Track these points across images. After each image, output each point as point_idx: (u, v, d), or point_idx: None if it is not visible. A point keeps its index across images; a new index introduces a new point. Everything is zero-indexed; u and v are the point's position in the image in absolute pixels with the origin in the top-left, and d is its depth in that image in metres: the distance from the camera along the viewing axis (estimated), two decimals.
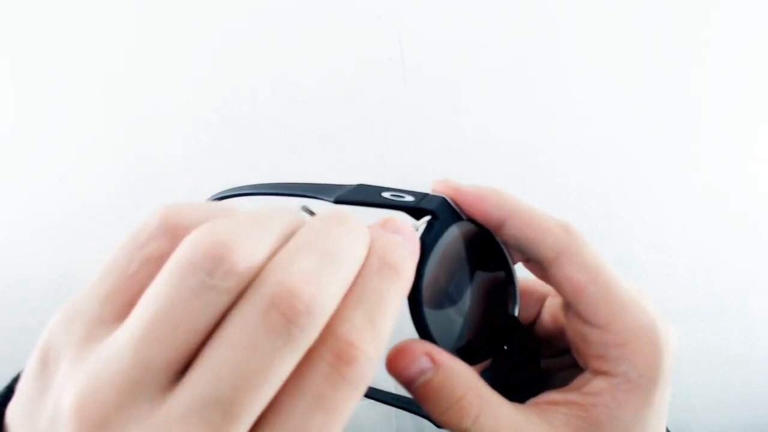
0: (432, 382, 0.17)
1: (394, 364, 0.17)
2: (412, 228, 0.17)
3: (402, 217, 0.17)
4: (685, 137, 0.49)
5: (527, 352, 0.21)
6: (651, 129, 0.49)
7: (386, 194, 0.19)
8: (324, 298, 0.13)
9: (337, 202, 0.19)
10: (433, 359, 0.17)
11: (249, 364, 0.12)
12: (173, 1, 0.45)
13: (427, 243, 0.18)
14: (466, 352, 0.19)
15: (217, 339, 0.13)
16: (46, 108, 0.45)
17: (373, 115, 0.47)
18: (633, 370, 0.19)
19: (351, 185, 0.19)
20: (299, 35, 0.46)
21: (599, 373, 0.19)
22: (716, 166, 0.50)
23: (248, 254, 0.13)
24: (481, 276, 0.20)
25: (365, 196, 0.19)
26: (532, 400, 0.19)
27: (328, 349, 0.13)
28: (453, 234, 0.19)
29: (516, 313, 0.21)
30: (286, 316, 0.13)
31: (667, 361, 0.20)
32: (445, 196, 0.19)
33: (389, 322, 0.15)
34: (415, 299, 0.18)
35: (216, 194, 0.23)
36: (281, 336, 0.12)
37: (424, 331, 0.18)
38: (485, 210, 0.19)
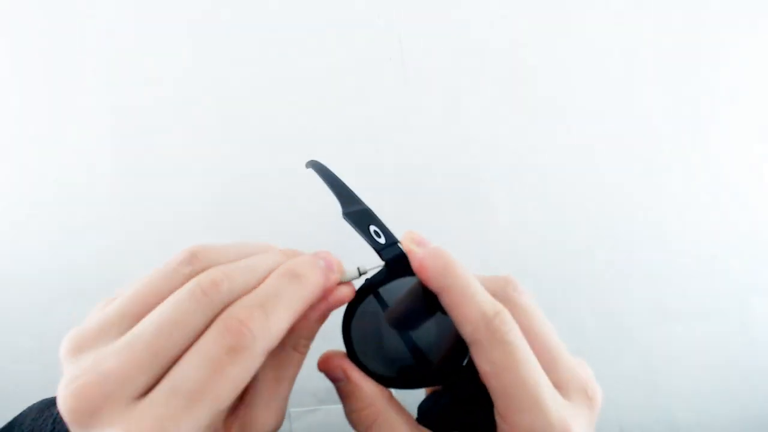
0: (343, 390, 0.23)
1: (321, 364, 0.23)
2: (338, 262, 0.22)
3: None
4: (685, 137, 0.49)
5: (468, 393, 0.23)
6: (651, 128, 0.49)
7: (372, 227, 0.23)
8: (231, 284, 0.19)
9: (344, 216, 0.24)
10: (345, 373, 0.22)
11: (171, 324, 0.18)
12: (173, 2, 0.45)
13: (370, 284, 0.23)
14: (404, 378, 0.23)
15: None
16: (45, 108, 0.45)
17: (373, 115, 0.47)
18: None
19: (362, 207, 0.24)
20: (299, 35, 0.46)
21: None
22: (717, 165, 0.50)
23: (229, 290, 0.19)
24: (427, 320, 0.23)
25: (359, 223, 0.23)
26: None
27: (221, 321, 0.18)
28: (403, 283, 0.22)
29: (464, 362, 0.23)
30: (203, 290, 0.19)
31: None
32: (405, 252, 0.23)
33: (283, 314, 0.19)
34: (346, 323, 0.23)
35: (310, 162, 0.28)
36: (197, 300, 0.18)
37: (348, 348, 0.23)
38: (424, 278, 0.21)
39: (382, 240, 0.23)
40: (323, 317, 0.22)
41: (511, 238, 0.47)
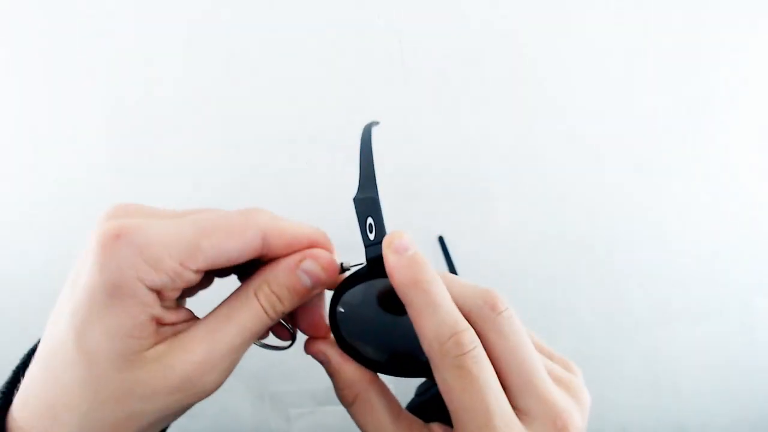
0: (327, 370, 0.24)
1: (307, 347, 0.25)
2: (330, 256, 0.23)
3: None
4: (685, 137, 0.49)
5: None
6: (652, 128, 0.49)
7: (369, 220, 0.23)
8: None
9: (353, 200, 0.24)
10: (325, 356, 0.24)
11: None
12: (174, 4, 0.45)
13: (354, 276, 0.23)
14: (390, 365, 0.25)
15: None
16: (45, 108, 0.45)
17: (373, 115, 0.47)
18: None
19: (372, 195, 0.23)
20: (299, 35, 0.46)
21: None
22: (717, 165, 0.50)
23: None
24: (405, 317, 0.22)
25: (360, 213, 0.23)
26: (423, 422, 0.24)
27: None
28: (382, 282, 0.22)
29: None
30: None
31: None
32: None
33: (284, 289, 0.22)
34: (332, 309, 0.24)
35: (369, 124, 0.28)
36: None
37: (334, 332, 0.24)
38: (393, 286, 0.22)
39: (371, 236, 0.23)
40: (295, 286, 0.23)
41: (511, 237, 0.47)
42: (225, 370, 0.22)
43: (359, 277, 0.23)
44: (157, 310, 0.21)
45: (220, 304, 0.23)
